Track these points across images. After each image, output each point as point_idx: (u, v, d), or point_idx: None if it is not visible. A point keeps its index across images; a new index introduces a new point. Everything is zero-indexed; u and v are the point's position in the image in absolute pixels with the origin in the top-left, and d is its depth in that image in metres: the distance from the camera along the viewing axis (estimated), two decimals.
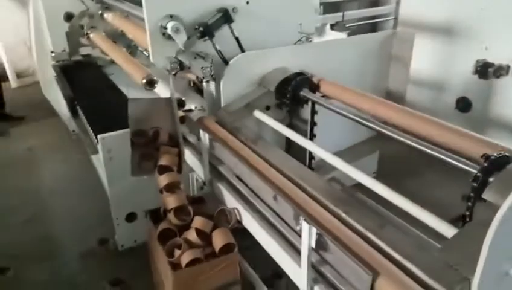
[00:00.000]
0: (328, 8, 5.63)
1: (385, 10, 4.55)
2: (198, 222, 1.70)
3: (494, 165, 1.22)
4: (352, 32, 3.97)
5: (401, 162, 3.08)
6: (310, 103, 2.12)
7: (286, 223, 1.46)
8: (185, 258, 1.60)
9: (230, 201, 1.82)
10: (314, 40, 2.69)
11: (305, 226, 1.24)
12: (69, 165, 3.42)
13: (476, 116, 3.23)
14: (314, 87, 2.10)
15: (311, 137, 2.24)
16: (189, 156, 2.20)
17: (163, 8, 1.93)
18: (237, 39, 2.09)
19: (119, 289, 2.11)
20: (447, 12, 3.48)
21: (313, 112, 2.16)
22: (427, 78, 3.76)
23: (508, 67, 2.59)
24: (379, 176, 3.00)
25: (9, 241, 2.53)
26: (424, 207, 1.29)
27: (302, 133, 2.24)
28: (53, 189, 3.11)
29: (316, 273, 1.35)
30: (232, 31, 2.06)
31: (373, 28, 5.13)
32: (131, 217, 2.31)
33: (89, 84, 3.04)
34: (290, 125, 2.32)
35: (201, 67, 1.88)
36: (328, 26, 5.14)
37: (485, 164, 1.22)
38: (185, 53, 1.98)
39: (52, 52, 3.40)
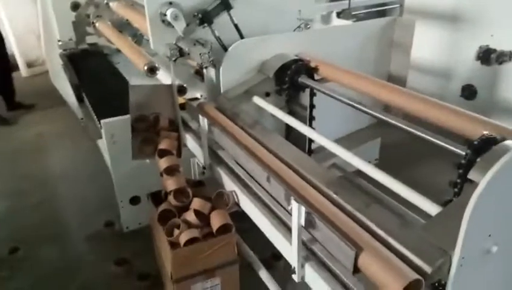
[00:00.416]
0: None
1: None
2: (196, 203, 1.76)
3: (477, 150, 1.25)
4: (359, 20, 3.96)
5: (404, 149, 3.08)
6: (307, 91, 2.14)
7: (279, 203, 1.51)
8: (183, 237, 1.67)
9: (229, 184, 1.87)
10: (318, 27, 2.71)
11: (294, 205, 1.28)
12: (77, 151, 3.51)
13: (481, 103, 3.22)
14: (312, 72, 2.13)
15: (311, 123, 2.27)
16: (190, 142, 2.26)
17: None
18: (236, 26, 2.12)
19: (123, 268, 2.19)
20: (453, 0, 3.46)
21: (312, 98, 2.18)
22: (432, 66, 3.75)
23: (511, 53, 2.58)
24: (381, 163, 3.04)
25: (20, 223, 2.62)
26: (424, 193, 1.31)
27: (302, 119, 2.28)
28: (62, 174, 3.20)
29: (307, 251, 1.40)
30: (231, 18, 2.09)
31: (381, 15, 5.10)
32: (135, 200, 2.38)
33: (94, 72, 3.10)
34: (291, 112, 2.36)
35: (200, 53, 1.92)
36: (334, 14, 5.14)
37: (468, 151, 1.25)
38: (184, 40, 2.02)
39: (59, 40, 3.46)
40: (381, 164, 3.06)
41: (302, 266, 1.39)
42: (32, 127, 4.05)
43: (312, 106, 2.22)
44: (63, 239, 2.46)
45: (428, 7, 3.71)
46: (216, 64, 2.11)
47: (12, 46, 5.47)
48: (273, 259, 2.21)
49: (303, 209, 1.27)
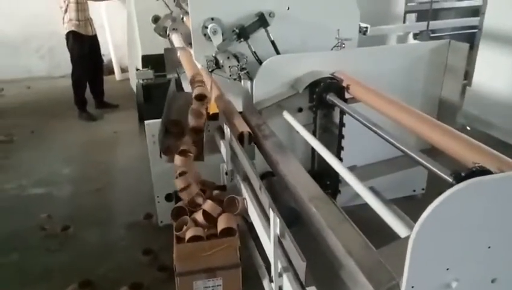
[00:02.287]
0: (423, 17, 5.43)
1: (472, 22, 4.25)
2: (207, 205, 1.87)
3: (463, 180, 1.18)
4: None
5: None
6: (337, 109, 2.15)
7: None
8: (188, 233, 1.78)
9: (243, 191, 1.96)
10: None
11: (271, 215, 1.33)
12: (142, 149, 3.85)
13: None
14: (343, 91, 2.13)
15: (340, 141, 2.26)
16: (222, 148, 2.39)
17: (206, 12, 2.15)
18: (273, 42, 2.21)
19: (149, 258, 2.38)
20: None
21: (342, 117, 2.18)
22: (506, 97, 3.46)
23: None
24: (427, 193, 2.87)
25: (78, 205, 2.99)
26: None
27: (334, 136, 2.28)
28: (124, 166, 3.56)
29: (288, 262, 1.43)
30: (268, 35, 2.20)
31: (468, 39, 4.81)
32: (170, 197, 2.57)
33: (159, 79, 3.40)
34: (324, 129, 2.38)
35: (229, 66, 2.04)
36: (411, 35, 4.97)
37: (454, 181, 1.20)
38: (221, 53, 2.17)
39: (137, 69, 3.78)
40: (428, 195, 2.89)
41: (280, 276, 1.42)
42: (111, 125, 4.55)
43: (342, 125, 2.22)
44: (108, 224, 2.74)
45: (508, 32, 3.45)
46: (252, 78, 2.23)
47: (111, 52, 6.19)
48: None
49: (278, 219, 1.31)
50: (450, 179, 1.26)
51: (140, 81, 3.44)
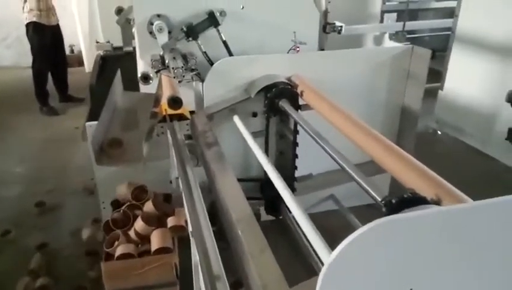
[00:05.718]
0: (403, 17, 5.36)
1: (447, 23, 4.17)
2: (138, 226, 1.74)
3: (394, 209, 1.07)
4: (413, 43, 3.73)
5: None
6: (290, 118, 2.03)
7: None
8: (118, 250, 1.66)
9: (184, 203, 1.83)
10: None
11: (192, 239, 1.21)
12: None
13: None
14: (296, 97, 2.01)
15: (294, 151, 2.15)
16: (171, 152, 2.25)
17: (152, 7, 2.00)
18: (225, 43, 2.08)
19: (90, 259, 2.24)
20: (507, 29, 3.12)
21: (296, 124, 2.06)
22: (478, 103, 3.39)
23: None
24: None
25: (24, 209, 2.81)
26: None
27: (290, 143, 2.18)
28: (79, 166, 3.36)
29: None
30: (219, 35, 2.06)
31: (445, 41, 4.72)
32: (115, 204, 2.42)
33: (112, 75, 3.20)
34: (278, 134, 2.27)
35: (172, 68, 1.90)
36: (386, 36, 4.89)
37: (384, 209, 1.09)
38: (169, 52, 2.03)
39: (97, 41, 3.66)
40: None
41: None
42: (74, 120, 4.34)
43: (296, 132, 2.10)
44: (52, 230, 2.58)
45: (483, 37, 3.37)
46: (204, 79, 2.09)
47: (80, 42, 5.95)
48: (236, 285, 2.11)
49: (195, 246, 1.19)
50: (381, 206, 1.15)
51: (101, 53, 3.42)
